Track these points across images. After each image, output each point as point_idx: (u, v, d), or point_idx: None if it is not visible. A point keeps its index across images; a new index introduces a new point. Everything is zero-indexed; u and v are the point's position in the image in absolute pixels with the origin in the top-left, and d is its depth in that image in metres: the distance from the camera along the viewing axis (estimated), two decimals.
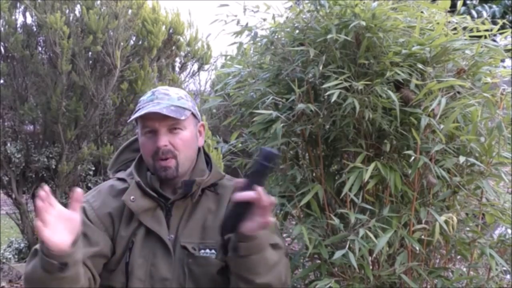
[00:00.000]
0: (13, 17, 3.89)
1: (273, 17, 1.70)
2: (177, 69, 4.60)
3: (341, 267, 1.56)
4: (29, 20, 4.00)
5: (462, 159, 1.47)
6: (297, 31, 1.64)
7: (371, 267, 1.59)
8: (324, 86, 1.47)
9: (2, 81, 3.94)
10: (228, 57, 1.96)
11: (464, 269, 1.72)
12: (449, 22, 1.61)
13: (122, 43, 3.90)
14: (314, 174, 1.72)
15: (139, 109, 1.41)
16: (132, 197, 1.38)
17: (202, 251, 1.36)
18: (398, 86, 1.56)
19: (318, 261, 1.62)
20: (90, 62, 3.99)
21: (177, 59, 4.59)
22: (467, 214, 1.67)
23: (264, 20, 1.70)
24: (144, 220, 1.37)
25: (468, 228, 1.67)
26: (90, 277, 1.31)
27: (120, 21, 3.85)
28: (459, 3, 1.68)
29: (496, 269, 1.52)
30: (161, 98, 1.41)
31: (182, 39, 4.42)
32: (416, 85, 1.49)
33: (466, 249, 1.62)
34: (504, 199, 1.63)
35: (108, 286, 1.36)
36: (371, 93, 1.49)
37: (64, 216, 1.21)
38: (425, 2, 1.66)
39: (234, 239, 1.27)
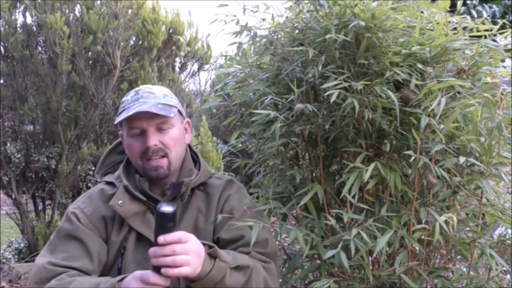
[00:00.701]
0: (13, 17, 3.89)
1: (273, 17, 1.70)
2: (177, 69, 4.60)
3: (340, 267, 1.55)
4: (29, 20, 4.00)
5: (462, 159, 1.47)
6: (296, 31, 1.64)
7: (371, 267, 1.59)
8: (324, 86, 1.47)
9: (2, 81, 3.94)
10: (228, 57, 1.96)
11: (464, 269, 1.72)
12: (449, 22, 1.61)
13: (122, 43, 3.90)
14: (313, 174, 1.72)
15: (124, 110, 1.38)
16: (120, 202, 1.35)
17: None
18: (398, 86, 1.55)
19: (318, 261, 1.62)
20: (90, 62, 3.99)
21: (177, 59, 4.59)
22: (467, 214, 1.67)
23: (264, 20, 1.70)
24: (134, 225, 1.36)
25: (468, 228, 1.67)
26: None
27: (120, 21, 3.85)
28: (459, 3, 1.68)
29: (496, 269, 1.51)
30: (146, 97, 1.38)
31: (182, 39, 4.42)
32: (416, 85, 1.49)
33: (466, 249, 1.62)
34: (504, 199, 1.63)
35: None
36: (370, 93, 1.49)
37: None
38: (425, 2, 1.66)
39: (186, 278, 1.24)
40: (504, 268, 1.60)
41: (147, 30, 4.08)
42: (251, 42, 1.73)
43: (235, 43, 1.74)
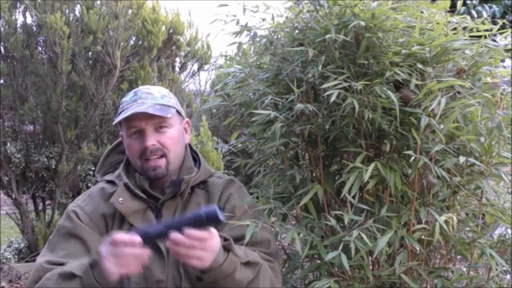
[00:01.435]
0: (13, 17, 3.89)
1: (273, 17, 1.70)
2: (177, 69, 4.60)
3: (340, 267, 1.55)
4: (29, 20, 4.00)
5: (462, 159, 1.47)
6: (296, 31, 1.64)
7: (371, 267, 1.59)
8: (324, 86, 1.47)
9: (2, 81, 3.94)
10: (228, 57, 1.96)
11: (464, 269, 1.72)
12: (449, 22, 1.61)
13: (122, 43, 3.90)
14: (313, 174, 1.72)
15: (123, 110, 1.39)
16: (120, 199, 1.36)
17: None
18: (398, 86, 1.55)
19: (318, 261, 1.62)
20: (90, 62, 3.99)
21: (177, 59, 4.59)
22: (467, 214, 1.67)
23: (264, 20, 1.70)
24: (134, 222, 1.36)
25: (468, 228, 1.67)
26: None
27: (120, 21, 3.85)
28: (459, 3, 1.68)
29: (496, 269, 1.51)
30: (144, 98, 1.39)
31: (182, 39, 4.42)
32: (416, 85, 1.49)
33: (466, 249, 1.62)
34: (504, 199, 1.63)
35: None
36: (370, 93, 1.49)
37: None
38: (425, 2, 1.66)
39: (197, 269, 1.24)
40: (504, 268, 1.61)
41: (147, 30, 4.08)
42: (251, 42, 1.73)
43: (235, 43, 1.74)
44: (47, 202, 4.31)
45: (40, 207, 4.29)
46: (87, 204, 1.42)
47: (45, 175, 4.04)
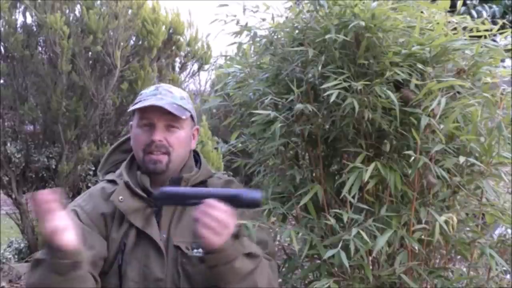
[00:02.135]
0: (13, 17, 3.89)
1: (273, 17, 1.70)
2: (177, 69, 4.60)
3: (340, 267, 1.55)
4: (29, 20, 4.00)
5: (462, 159, 1.47)
6: (296, 31, 1.64)
7: (371, 267, 1.59)
8: (324, 86, 1.47)
9: (2, 81, 3.94)
10: (228, 57, 1.96)
11: (464, 269, 1.72)
12: (449, 22, 1.61)
13: (122, 43, 3.90)
14: (313, 174, 1.72)
15: (140, 101, 1.41)
16: (120, 197, 1.37)
17: (195, 250, 1.35)
18: (398, 86, 1.55)
19: (318, 261, 1.62)
20: (90, 62, 3.99)
21: (177, 59, 4.59)
22: (467, 214, 1.67)
23: (264, 20, 1.70)
24: (134, 221, 1.37)
25: (468, 228, 1.67)
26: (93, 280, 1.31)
27: (120, 21, 3.85)
28: (459, 3, 1.68)
29: (496, 269, 1.51)
30: (164, 94, 1.42)
31: (182, 39, 4.41)
32: (416, 85, 1.49)
33: (466, 249, 1.62)
34: (504, 199, 1.63)
35: None
36: (370, 93, 1.49)
37: (63, 215, 1.21)
38: (425, 2, 1.66)
39: (202, 250, 1.26)
40: (504, 268, 1.60)
41: (147, 30, 4.08)
42: (251, 42, 1.73)
43: (235, 43, 1.74)
44: None
45: None
46: (87, 203, 1.42)
47: (45, 175, 4.04)
